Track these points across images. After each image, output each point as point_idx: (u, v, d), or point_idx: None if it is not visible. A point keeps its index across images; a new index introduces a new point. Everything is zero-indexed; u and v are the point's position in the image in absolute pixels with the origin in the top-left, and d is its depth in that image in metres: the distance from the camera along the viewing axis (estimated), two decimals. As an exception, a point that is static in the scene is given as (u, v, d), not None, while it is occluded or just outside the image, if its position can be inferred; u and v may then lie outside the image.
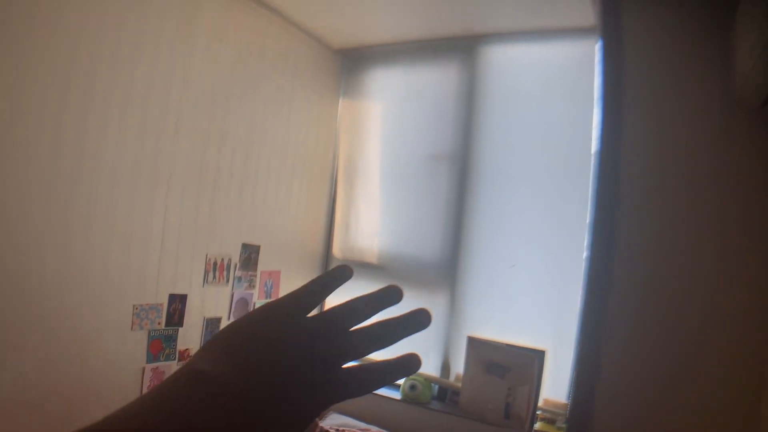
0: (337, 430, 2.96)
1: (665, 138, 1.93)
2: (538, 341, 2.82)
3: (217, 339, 0.45)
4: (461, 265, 3.21)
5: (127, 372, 2.42)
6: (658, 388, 1.86)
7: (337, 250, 3.76)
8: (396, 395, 3.27)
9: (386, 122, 3.65)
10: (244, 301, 3.07)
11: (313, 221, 3.67)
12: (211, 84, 2.76)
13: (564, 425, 2.66)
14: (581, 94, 2.76)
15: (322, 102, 3.66)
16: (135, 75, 2.38)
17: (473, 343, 2.98)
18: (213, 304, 2.86)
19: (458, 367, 3.10)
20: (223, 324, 2.93)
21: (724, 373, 1.78)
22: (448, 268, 3.25)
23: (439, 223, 3.30)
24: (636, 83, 1.99)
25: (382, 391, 3.35)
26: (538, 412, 2.80)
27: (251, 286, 3.12)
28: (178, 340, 2.66)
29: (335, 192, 3.80)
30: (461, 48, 3.31)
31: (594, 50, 2.44)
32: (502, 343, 2.89)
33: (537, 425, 2.77)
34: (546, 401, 2.81)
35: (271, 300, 0.49)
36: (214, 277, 2.87)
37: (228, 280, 2.96)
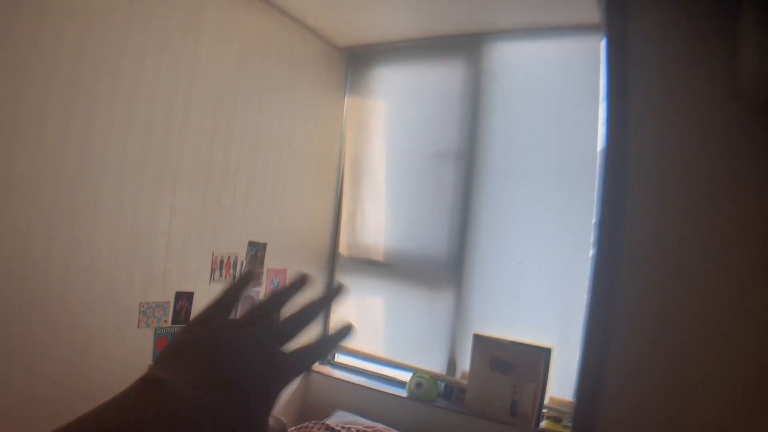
0: (344, 427, 2.96)
1: (671, 136, 1.92)
2: (544, 339, 2.82)
3: (167, 350, 0.49)
4: (467, 263, 3.20)
5: (133, 370, 2.39)
6: (665, 386, 1.85)
7: (343, 247, 3.76)
8: (402, 393, 3.28)
9: (392, 120, 3.65)
10: (250, 299, 3.04)
11: (320, 219, 3.67)
12: (216, 83, 2.77)
13: (570, 424, 2.65)
14: (587, 91, 2.75)
15: (327, 100, 3.66)
16: (141, 74, 2.39)
17: (479, 341, 2.98)
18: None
19: (464, 364, 3.10)
20: (230, 321, 2.93)
21: (730, 371, 1.77)
22: (454, 266, 3.25)
23: (444, 220, 3.30)
24: (641, 81, 1.98)
25: (389, 389, 3.36)
26: (544, 411, 2.79)
27: (258, 283, 3.12)
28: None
29: (341, 189, 3.81)
30: (466, 45, 3.30)
31: (599, 47, 2.43)
32: (508, 341, 2.89)
33: (543, 423, 2.77)
34: (552, 399, 2.81)
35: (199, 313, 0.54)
36: (221, 274, 2.88)
37: (234, 278, 2.95)
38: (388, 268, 3.51)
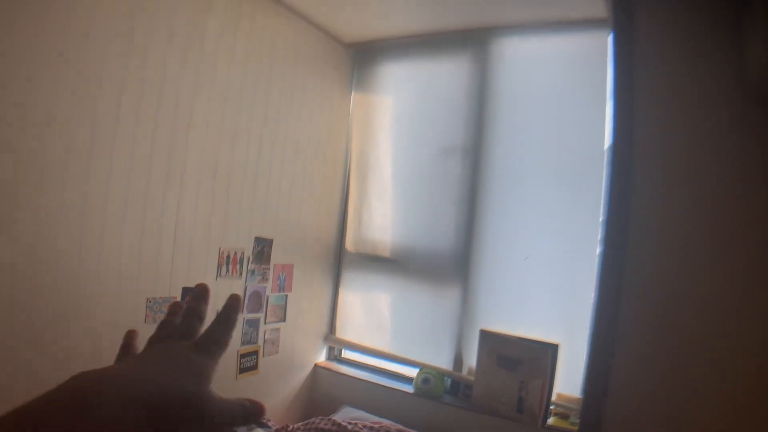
0: (350, 423, 2.97)
1: (677, 132, 1.90)
2: (551, 335, 2.81)
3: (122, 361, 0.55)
4: (474, 259, 3.20)
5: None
6: (672, 384, 1.85)
7: (349, 243, 3.76)
8: (409, 389, 3.28)
9: (398, 116, 3.64)
10: (257, 295, 3.08)
11: (326, 215, 3.67)
12: (223, 79, 2.77)
13: (578, 420, 2.65)
14: (594, 86, 2.74)
15: (333, 96, 3.66)
16: (147, 71, 2.39)
17: (486, 337, 2.97)
18: (226, 298, 2.87)
19: (471, 360, 3.10)
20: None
21: (735, 369, 1.76)
22: (460, 262, 3.24)
23: (451, 216, 3.29)
24: (648, 76, 1.97)
25: (395, 385, 3.36)
26: (551, 407, 2.79)
27: (264, 279, 3.13)
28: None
29: (348, 185, 3.81)
30: (473, 41, 3.29)
31: (606, 42, 2.42)
32: (515, 337, 2.88)
33: (550, 420, 2.76)
34: (559, 396, 2.80)
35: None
36: (228, 270, 2.88)
37: (241, 274, 2.97)
38: (395, 264, 3.51)
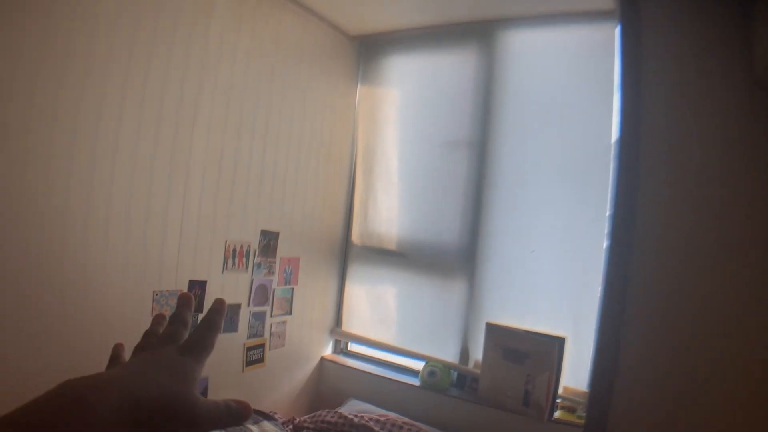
0: (356, 416, 2.98)
1: (685, 126, 1.89)
2: (557, 328, 2.80)
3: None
4: (480, 252, 3.19)
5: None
6: (678, 377, 1.84)
7: (355, 236, 3.76)
8: (415, 382, 3.28)
9: (404, 108, 3.63)
10: (263, 288, 3.08)
11: (332, 208, 3.67)
12: (227, 73, 2.76)
13: (584, 414, 2.64)
14: (601, 79, 2.72)
15: (339, 89, 3.65)
16: (151, 66, 2.39)
17: (492, 330, 2.97)
18: (233, 291, 2.89)
19: (477, 353, 3.10)
20: (243, 310, 2.96)
21: (745, 362, 1.75)
22: (466, 255, 3.24)
23: (457, 209, 3.29)
24: (655, 69, 1.95)
25: (401, 378, 3.37)
26: (557, 400, 2.79)
27: (270, 272, 3.13)
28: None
29: (354, 178, 3.80)
30: (479, 33, 3.28)
31: (614, 35, 2.40)
32: (522, 330, 2.87)
33: (557, 414, 2.76)
34: (566, 389, 2.79)
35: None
36: (234, 263, 2.89)
37: (247, 267, 2.97)
38: (401, 257, 3.51)
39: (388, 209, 3.62)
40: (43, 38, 1.96)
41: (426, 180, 3.46)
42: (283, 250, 3.20)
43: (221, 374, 2.85)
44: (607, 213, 2.23)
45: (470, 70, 3.32)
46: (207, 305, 2.68)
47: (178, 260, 2.59)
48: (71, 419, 0.39)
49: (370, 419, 2.95)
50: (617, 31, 2.16)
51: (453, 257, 3.29)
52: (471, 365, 3.16)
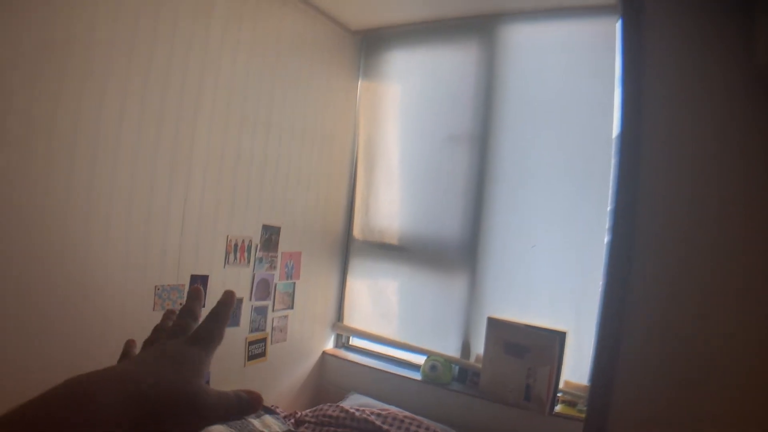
0: (358, 410, 2.98)
1: (687, 121, 1.89)
2: (558, 322, 2.81)
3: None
4: (481, 246, 3.19)
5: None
6: (680, 372, 1.84)
7: (357, 231, 3.76)
8: (416, 376, 3.29)
9: (405, 103, 3.63)
10: (265, 282, 3.09)
11: (334, 202, 3.67)
12: (228, 68, 2.76)
13: (585, 408, 2.65)
14: (602, 73, 2.72)
15: (341, 84, 3.65)
16: (153, 61, 2.39)
17: (493, 324, 2.98)
18: (234, 285, 2.89)
19: (478, 348, 3.11)
20: (245, 304, 2.97)
21: (749, 357, 1.76)
22: (468, 249, 3.24)
23: (458, 203, 3.29)
24: (657, 63, 1.94)
25: (403, 372, 3.38)
26: (558, 395, 2.79)
27: (272, 267, 3.14)
28: (199, 321, 2.68)
29: (355, 173, 3.80)
30: (480, 27, 3.27)
31: (614, 29, 2.39)
32: (523, 324, 2.88)
33: (558, 408, 2.77)
34: (567, 383, 2.80)
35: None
36: (235, 258, 2.89)
37: (249, 261, 2.98)
38: (402, 251, 3.51)
39: (390, 204, 3.62)
40: (42, 34, 1.96)
41: (427, 175, 3.46)
42: (284, 244, 3.21)
43: (223, 369, 2.86)
44: (608, 208, 2.23)
45: (471, 64, 3.31)
46: (209, 300, 2.70)
47: (179, 255, 2.59)
48: (76, 414, 0.39)
49: (372, 413, 2.96)
50: (618, 25, 2.16)
51: (454, 252, 3.29)
52: (472, 359, 3.16)
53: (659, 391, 1.88)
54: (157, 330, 0.63)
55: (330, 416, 3.00)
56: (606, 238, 2.16)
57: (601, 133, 2.70)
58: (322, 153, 3.50)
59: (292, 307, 3.33)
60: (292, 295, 3.33)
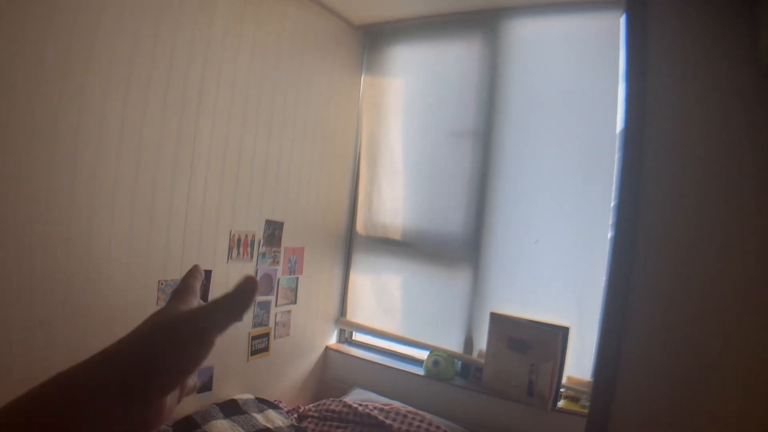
0: (361, 405, 2.99)
1: (691, 116, 1.88)
2: (561, 318, 2.81)
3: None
4: (484, 242, 3.19)
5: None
6: (683, 368, 1.84)
7: (360, 226, 3.76)
8: (419, 371, 3.29)
9: (408, 98, 3.62)
10: (268, 277, 3.09)
11: (337, 198, 3.67)
12: (231, 63, 2.76)
13: (588, 404, 2.65)
14: (606, 68, 2.71)
15: (343, 79, 3.64)
16: (155, 56, 2.38)
17: (496, 319, 2.98)
18: (237, 280, 2.88)
19: (481, 343, 3.11)
20: (248, 300, 2.97)
21: (753, 352, 1.75)
22: (471, 245, 3.24)
23: (462, 199, 3.29)
24: (661, 58, 1.94)
25: (406, 367, 3.38)
26: (561, 390, 2.79)
27: (275, 262, 3.14)
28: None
29: (358, 168, 3.80)
30: (483, 22, 3.26)
31: (618, 23, 2.39)
32: (525, 320, 2.88)
33: (560, 403, 2.77)
34: (570, 379, 2.80)
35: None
36: (239, 253, 2.90)
37: (252, 256, 2.98)
38: (405, 247, 3.51)
39: (393, 199, 3.62)
40: (44, 31, 1.96)
41: (430, 170, 3.46)
42: (287, 239, 3.21)
43: (226, 363, 2.87)
44: (612, 203, 2.23)
45: (475, 59, 3.30)
46: (212, 295, 2.70)
47: (183, 249, 2.60)
48: (64, 410, 0.39)
49: (375, 408, 2.97)
50: (622, 19, 2.15)
51: (457, 247, 3.29)
52: (475, 355, 3.17)
53: (661, 391, 1.88)
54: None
55: (333, 411, 3.01)
56: (609, 234, 2.16)
57: (604, 128, 2.69)
58: (324, 148, 3.50)
59: (295, 302, 3.33)
60: (295, 290, 3.33)
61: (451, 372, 3.19)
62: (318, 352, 3.65)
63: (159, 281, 2.50)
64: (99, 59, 2.15)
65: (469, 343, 3.20)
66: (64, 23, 2.02)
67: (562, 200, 2.92)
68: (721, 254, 1.83)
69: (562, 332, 2.75)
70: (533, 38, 3.13)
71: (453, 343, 3.26)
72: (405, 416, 2.90)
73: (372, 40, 3.76)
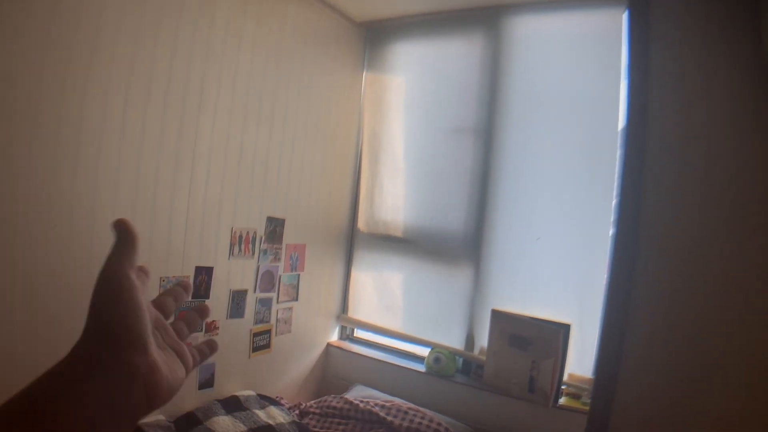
0: (362, 401, 3.00)
1: (693, 114, 1.88)
2: (563, 315, 2.81)
3: None
4: (485, 239, 3.19)
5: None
6: (684, 365, 1.84)
7: (361, 223, 3.76)
8: (420, 368, 3.30)
9: (410, 95, 3.62)
10: (269, 274, 3.09)
11: (338, 195, 3.67)
12: (233, 60, 2.76)
13: (589, 401, 2.65)
14: (608, 65, 2.70)
15: (345, 76, 3.64)
16: (157, 53, 2.39)
17: (497, 316, 2.98)
18: (239, 277, 2.90)
19: (482, 340, 3.11)
20: (249, 296, 2.98)
21: (754, 350, 1.75)
22: (472, 242, 3.24)
23: (463, 196, 3.28)
24: (664, 55, 1.93)
25: (407, 364, 3.38)
26: (562, 387, 2.79)
27: (277, 259, 3.14)
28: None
29: (360, 165, 3.80)
30: (485, 19, 3.25)
31: (621, 20, 2.38)
32: (527, 317, 2.88)
33: (562, 400, 2.77)
34: (571, 376, 2.80)
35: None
36: (240, 250, 2.90)
37: (253, 253, 2.98)
38: (407, 244, 3.51)
39: (394, 196, 3.62)
40: (46, 28, 1.97)
41: (432, 167, 3.45)
42: (289, 236, 3.21)
43: (228, 360, 2.87)
44: (613, 201, 2.22)
45: (476, 56, 3.30)
46: (214, 292, 2.71)
47: (184, 246, 2.60)
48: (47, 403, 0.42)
49: (376, 404, 2.97)
50: (625, 16, 2.14)
51: (459, 244, 3.29)
52: (476, 351, 3.17)
53: (662, 389, 1.88)
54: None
55: (334, 407, 3.02)
56: (611, 231, 2.16)
57: (606, 125, 2.68)
58: (326, 145, 3.50)
59: (296, 299, 3.33)
60: (297, 287, 3.33)
61: (453, 369, 3.20)
62: (319, 349, 3.65)
63: (161, 278, 2.50)
64: (100, 57, 2.15)
65: (470, 340, 3.21)
66: (67, 18, 2.02)
67: (564, 198, 2.92)
68: (723, 252, 1.82)
69: (563, 329, 2.75)
70: (535, 35, 3.12)
71: (454, 340, 3.26)
72: (406, 413, 2.90)
73: (374, 37, 3.75)
